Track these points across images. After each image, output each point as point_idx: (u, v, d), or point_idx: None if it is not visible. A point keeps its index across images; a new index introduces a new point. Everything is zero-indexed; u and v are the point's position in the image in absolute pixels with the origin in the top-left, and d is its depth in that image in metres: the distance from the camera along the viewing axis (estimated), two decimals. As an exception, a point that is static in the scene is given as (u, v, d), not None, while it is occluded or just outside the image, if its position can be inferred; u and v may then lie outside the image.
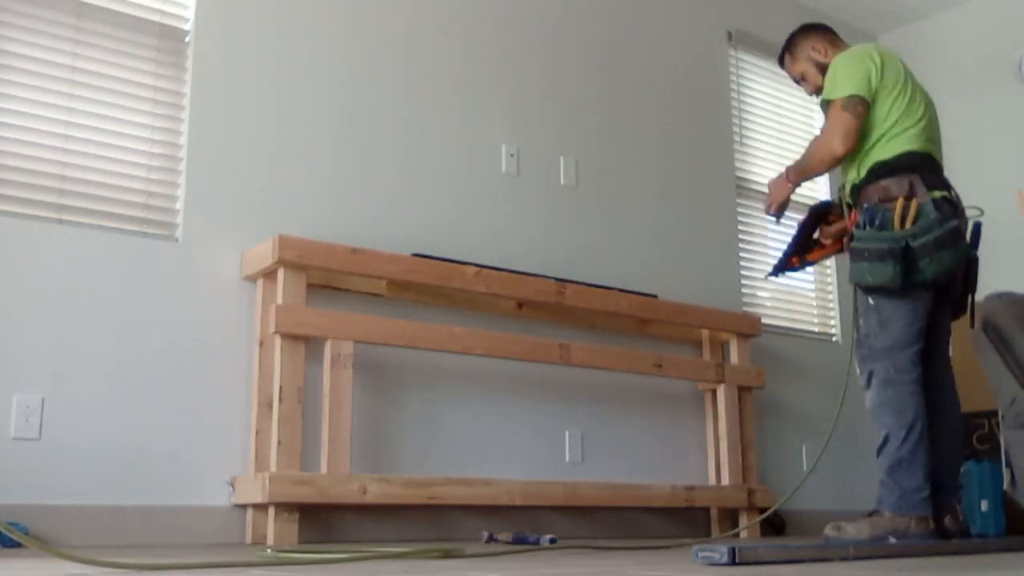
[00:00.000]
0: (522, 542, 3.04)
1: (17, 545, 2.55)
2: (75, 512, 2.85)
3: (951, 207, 2.79)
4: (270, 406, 3.10)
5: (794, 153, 5.24)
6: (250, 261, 3.25)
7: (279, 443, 3.02)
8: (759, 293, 4.88)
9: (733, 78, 4.99)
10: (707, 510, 4.16)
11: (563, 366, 3.80)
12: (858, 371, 2.86)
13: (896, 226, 2.71)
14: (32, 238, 2.94)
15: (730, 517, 4.17)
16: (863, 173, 2.86)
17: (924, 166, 2.84)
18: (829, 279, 5.21)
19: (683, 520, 4.13)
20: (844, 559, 2.01)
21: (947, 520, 2.73)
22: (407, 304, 3.56)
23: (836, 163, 2.88)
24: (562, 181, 4.17)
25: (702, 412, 4.29)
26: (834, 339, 5.14)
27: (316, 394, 3.20)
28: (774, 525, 4.33)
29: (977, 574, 1.62)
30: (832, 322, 5.17)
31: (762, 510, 4.18)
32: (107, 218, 3.11)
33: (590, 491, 3.64)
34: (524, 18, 4.22)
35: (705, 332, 4.30)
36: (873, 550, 2.13)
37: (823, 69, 3.05)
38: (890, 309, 2.75)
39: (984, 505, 3.84)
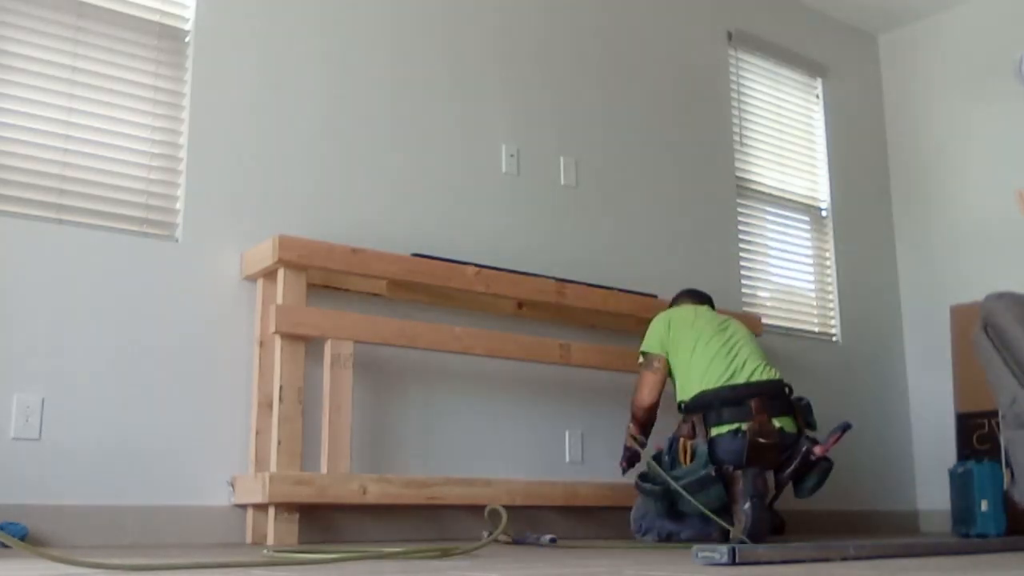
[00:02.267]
0: (522, 542, 3.04)
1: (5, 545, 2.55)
2: (75, 512, 2.85)
3: (740, 440, 3.16)
4: (270, 406, 3.10)
5: (794, 153, 5.25)
6: (250, 261, 3.25)
7: (279, 443, 3.02)
8: (759, 293, 4.88)
9: (733, 78, 4.99)
10: (707, 510, 4.16)
11: (563, 366, 3.80)
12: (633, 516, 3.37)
13: (680, 459, 3.25)
14: (32, 238, 2.94)
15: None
16: (681, 404, 3.37)
17: (714, 404, 3.24)
18: (829, 279, 5.21)
19: (683, 520, 4.12)
20: (844, 559, 2.01)
21: None
22: (407, 304, 3.56)
23: (650, 410, 3.46)
24: (562, 181, 4.17)
25: (702, 412, 4.28)
26: (834, 339, 5.14)
27: (316, 394, 3.20)
28: (774, 525, 4.32)
29: (977, 574, 1.62)
30: (832, 322, 5.17)
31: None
32: (107, 218, 3.11)
33: (590, 491, 3.64)
34: (524, 18, 4.22)
35: (705, 332, 4.29)
36: (874, 550, 2.13)
37: None
38: (657, 520, 3.30)
39: (984, 505, 3.84)
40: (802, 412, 3.32)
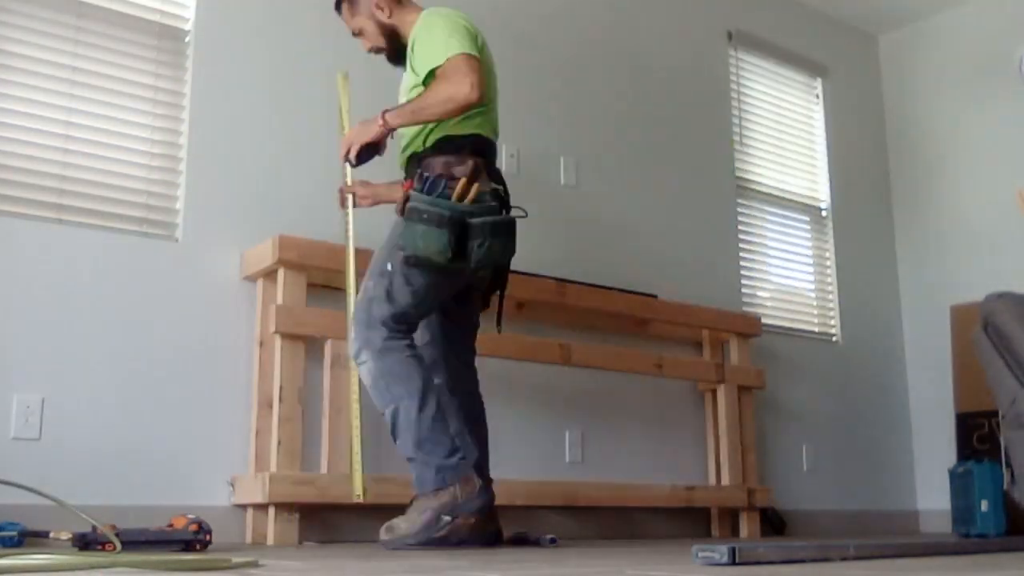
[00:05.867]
0: (522, 542, 3.04)
1: (18, 544, 2.55)
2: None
3: (502, 203, 2.75)
4: (270, 406, 3.10)
5: (794, 153, 5.25)
6: (250, 261, 3.25)
7: (279, 443, 3.02)
8: (759, 293, 4.88)
9: (733, 78, 4.99)
10: (707, 510, 4.16)
11: (563, 366, 3.80)
12: (351, 337, 2.69)
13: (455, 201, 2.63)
14: (32, 238, 2.94)
15: (730, 517, 4.17)
16: (429, 143, 2.76)
17: (489, 154, 2.79)
18: (829, 279, 5.21)
19: (683, 520, 4.12)
20: (844, 559, 2.01)
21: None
22: (407, 304, 3.55)
23: (461, 111, 2.66)
24: (562, 181, 4.17)
25: (702, 412, 4.29)
26: (834, 339, 5.15)
27: (316, 394, 3.20)
28: (774, 525, 4.33)
29: (977, 574, 1.62)
30: (832, 322, 5.17)
31: (762, 510, 4.18)
32: (107, 218, 3.11)
33: (590, 491, 3.64)
34: (524, 18, 4.22)
35: (705, 332, 4.30)
36: (874, 550, 2.13)
37: (384, 28, 2.92)
38: (400, 281, 2.65)
39: (984, 505, 3.84)
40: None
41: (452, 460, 2.56)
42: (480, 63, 2.68)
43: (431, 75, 2.69)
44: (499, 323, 2.91)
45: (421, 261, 2.60)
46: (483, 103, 2.70)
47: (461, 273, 2.69)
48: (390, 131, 2.76)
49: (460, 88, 2.62)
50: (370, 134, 2.74)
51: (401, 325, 2.65)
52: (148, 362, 3.07)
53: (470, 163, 2.68)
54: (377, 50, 2.99)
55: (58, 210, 3.03)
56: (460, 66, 2.64)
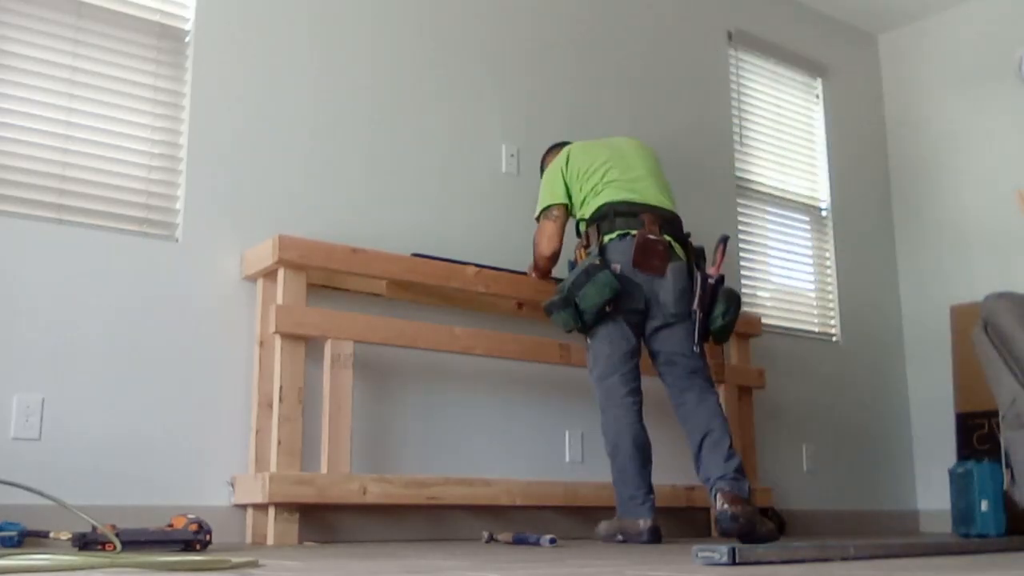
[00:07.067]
0: (522, 542, 3.04)
1: (18, 544, 2.55)
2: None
3: (628, 241, 3.23)
4: (270, 406, 3.10)
5: (794, 153, 5.25)
6: (250, 261, 3.25)
7: (279, 443, 3.02)
8: (759, 293, 4.88)
9: (733, 78, 4.99)
10: (707, 510, 4.16)
11: (563, 366, 3.80)
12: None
13: None
14: (32, 238, 2.94)
15: (730, 517, 4.16)
16: (580, 222, 3.45)
17: (610, 214, 3.30)
18: (829, 279, 5.21)
19: (683, 520, 4.12)
20: (844, 559, 2.01)
21: (724, 503, 3.01)
22: (407, 304, 3.56)
23: (549, 261, 3.50)
24: (562, 181, 4.16)
25: (702, 412, 4.28)
26: (834, 339, 5.15)
27: (316, 394, 3.20)
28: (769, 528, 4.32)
29: (977, 574, 1.62)
30: (832, 322, 5.17)
31: (762, 510, 4.18)
32: (107, 218, 3.11)
33: (590, 491, 3.64)
34: (524, 18, 4.22)
35: (705, 332, 4.29)
36: (874, 550, 2.13)
37: None
38: (594, 346, 3.27)
39: (984, 505, 3.84)
40: (695, 252, 3.35)
41: (632, 503, 3.21)
42: (551, 211, 3.48)
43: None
44: (699, 344, 3.31)
45: (573, 329, 3.34)
46: (556, 254, 3.50)
47: (614, 321, 3.28)
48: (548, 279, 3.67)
49: (538, 249, 3.52)
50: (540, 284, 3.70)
51: (607, 382, 3.32)
52: (148, 362, 3.07)
53: (585, 236, 3.40)
54: None
55: (58, 210, 3.03)
56: (539, 228, 3.52)
